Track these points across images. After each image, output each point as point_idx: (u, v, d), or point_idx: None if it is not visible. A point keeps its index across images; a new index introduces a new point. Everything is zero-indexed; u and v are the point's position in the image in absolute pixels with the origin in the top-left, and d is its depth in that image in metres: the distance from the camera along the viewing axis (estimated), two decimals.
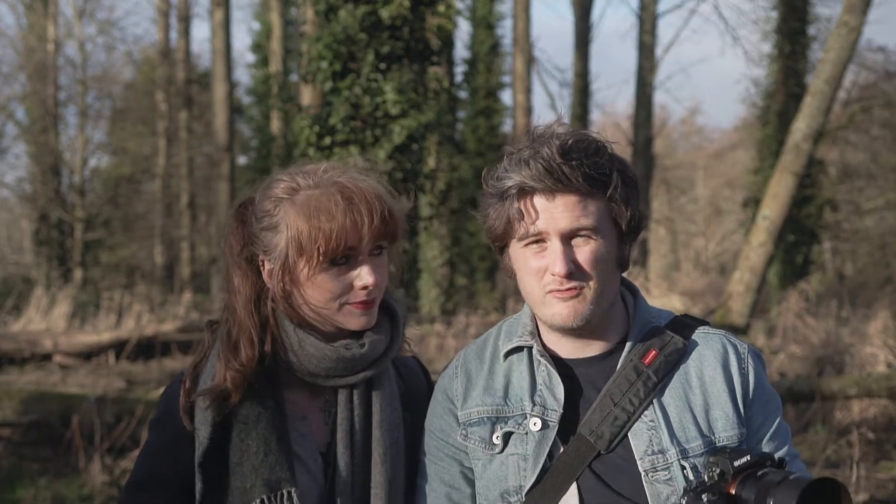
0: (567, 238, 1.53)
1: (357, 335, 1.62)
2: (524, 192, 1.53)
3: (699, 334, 1.62)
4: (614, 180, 1.53)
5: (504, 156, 1.59)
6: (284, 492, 1.53)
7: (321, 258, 1.54)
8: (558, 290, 1.54)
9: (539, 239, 1.54)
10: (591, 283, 1.54)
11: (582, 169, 1.49)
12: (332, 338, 1.61)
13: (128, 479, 1.67)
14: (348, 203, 1.54)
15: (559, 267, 1.51)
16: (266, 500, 1.53)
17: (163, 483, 1.62)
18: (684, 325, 1.64)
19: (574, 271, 1.52)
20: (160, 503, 1.62)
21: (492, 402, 1.62)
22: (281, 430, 1.57)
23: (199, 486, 1.55)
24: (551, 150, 1.50)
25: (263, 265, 1.60)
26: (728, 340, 1.63)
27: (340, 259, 1.56)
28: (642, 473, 1.51)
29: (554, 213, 1.51)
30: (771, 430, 1.58)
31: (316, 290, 1.57)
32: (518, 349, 1.65)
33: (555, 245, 1.52)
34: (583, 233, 1.52)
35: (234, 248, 1.62)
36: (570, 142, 1.52)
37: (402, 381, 1.73)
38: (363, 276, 1.57)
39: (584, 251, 1.53)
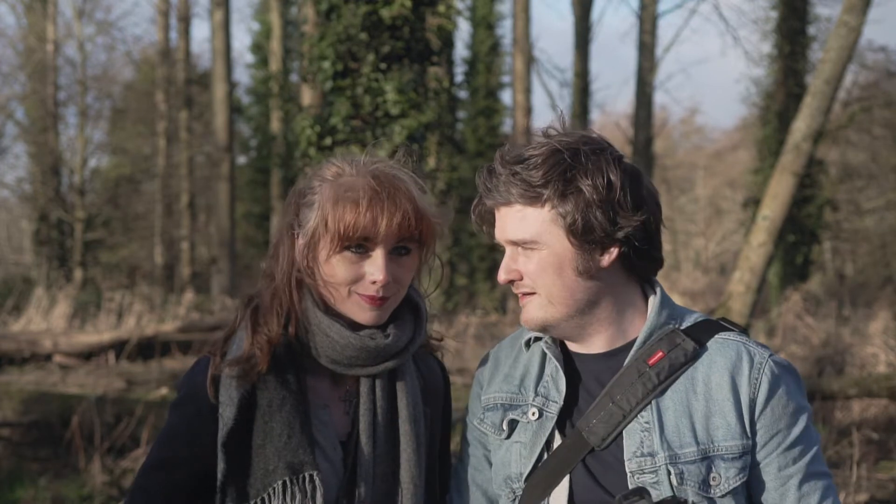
0: (515, 246, 1.59)
1: (382, 325, 1.64)
2: (480, 201, 1.63)
3: (717, 340, 1.59)
4: (557, 189, 1.52)
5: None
6: (307, 475, 1.55)
7: (337, 242, 1.58)
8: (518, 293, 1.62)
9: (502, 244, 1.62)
10: (540, 292, 1.57)
11: (515, 181, 1.53)
12: (356, 326, 1.64)
13: (144, 462, 1.67)
14: (374, 195, 1.58)
15: (500, 275, 1.61)
16: (288, 483, 1.54)
17: (179, 464, 1.63)
18: (705, 329, 1.61)
19: (516, 279, 1.59)
20: (175, 483, 1.63)
21: (508, 389, 1.67)
22: (304, 414, 1.59)
23: (222, 466, 1.56)
24: (493, 164, 1.58)
25: (298, 239, 1.65)
26: (746, 349, 1.57)
27: (355, 247, 1.59)
28: (628, 474, 1.52)
29: (499, 223, 1.60)
30: (785, 444, 1.53)
31: (330, 271, 1.61)
32: (538, 339, 1.69)
33: (506, 252, 1.60)
34: (523, 244, 1.57)
35: (287, 217, 1.68)
36: (508, 156, 1.56)
37: (421, 377, 1.75)
38: (374, 270, 1.59)
39: (528, 261, 1.57)
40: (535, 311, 1.59)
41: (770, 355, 1.58)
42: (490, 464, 1.69)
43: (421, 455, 1.66)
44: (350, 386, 1.68)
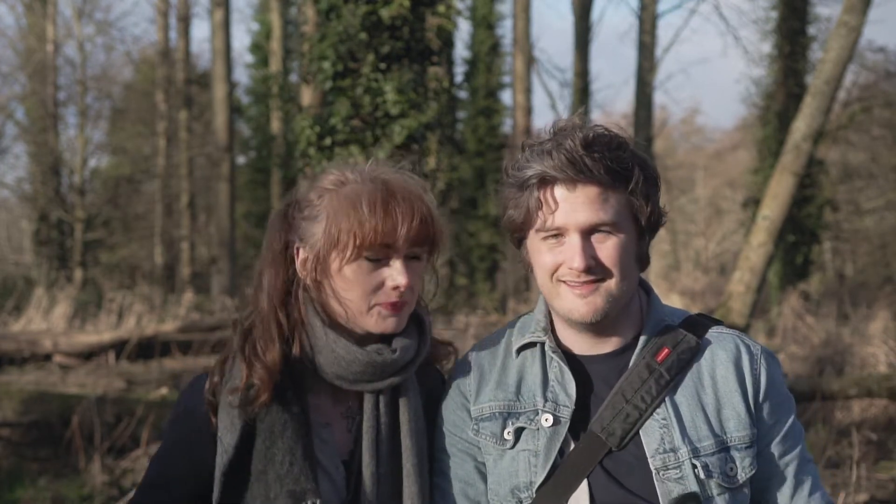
0: (587, 233, 1.52)
1: (387, 340, 1.60)
2: (545, 181, 1.53)
3: (712, 334, 1.61)
4: (636, 175, 1.52)
5: (525, 147, 1.58)
6: (309, 503, 1.51)
7: (355, 251, 1.53)
8: (574, 284, 1.53)
9: (557, 233, 1.54)
10: (611, 279, 1.54)
11: (604, 161, 1.49)
12: (363, 341, 1.59)
13: (142, 479, 1.64)
14: (391, 199, 1.54)
15: (577, 262, 1.51)
16: None
17: (177, 483, 1.59)
18: (698, 325, 1.63)
19: (593, 266, 1.52)
20: (174, 501, 1.60)
21: (504, 397, 1.62)
22: (307, 438, 1.55)
23: (216, 494, 1.53)
24: (574, 142, 1.50)
25: (298, 254, 1.60)
26: (741, 341, 1.61)
27: (373, 255, 1.55)
28: (653, 471, 1.51)
29: (575, 204, 1.51)
30: (783, 432, 1.58)
31: (345, 283, 1.56)
32: (531, 345, 1.65)
33: (574, 240, 1.52)
34: (603, 227, 1.52)
35: (273, 244, 1.61)
36: (592, 135, 1.52)
37: (422, 390, 1.71)
38: (395, 275, 1.55)
39: (605, 246, 1.53)
40: (600, 299, 1.54)
41: (762, 346, 1.63)
42: (482, 476, 1.63)
43: (423, 470, 1.63)
44: (351, 402, 1.64)
